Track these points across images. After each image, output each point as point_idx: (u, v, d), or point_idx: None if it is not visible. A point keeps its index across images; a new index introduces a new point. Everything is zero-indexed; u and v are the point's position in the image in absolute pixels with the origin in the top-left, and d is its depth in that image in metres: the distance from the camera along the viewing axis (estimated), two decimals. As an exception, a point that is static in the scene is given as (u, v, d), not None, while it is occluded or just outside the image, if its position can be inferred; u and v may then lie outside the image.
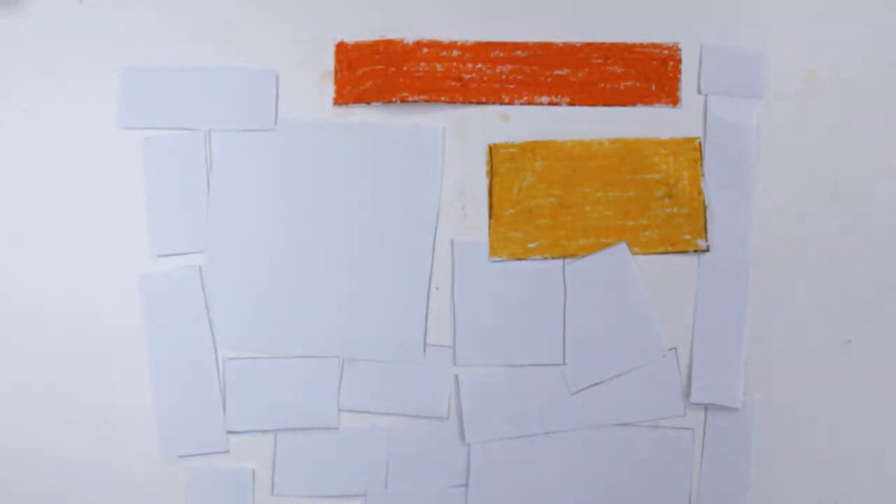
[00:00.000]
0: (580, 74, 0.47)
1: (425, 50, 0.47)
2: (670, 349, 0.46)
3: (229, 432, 0.46)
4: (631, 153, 0.46)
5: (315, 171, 0.46)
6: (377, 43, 0.47)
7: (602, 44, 0.47)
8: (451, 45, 0.47)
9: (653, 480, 0.45)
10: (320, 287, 0.46)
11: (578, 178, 0.46)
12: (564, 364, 0.45)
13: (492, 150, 0.46)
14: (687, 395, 0.46)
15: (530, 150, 0.46)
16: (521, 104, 0.47)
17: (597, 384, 0.45)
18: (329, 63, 0.47)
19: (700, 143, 0.46)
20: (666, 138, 0.46)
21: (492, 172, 0.46)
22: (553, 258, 0.46)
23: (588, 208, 0.46)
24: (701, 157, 0.46)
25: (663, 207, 0.46)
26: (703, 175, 0.46)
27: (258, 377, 0.46)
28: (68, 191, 0.47)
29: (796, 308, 0.46)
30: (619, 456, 0.45)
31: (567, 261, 0.46)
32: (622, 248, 0.46)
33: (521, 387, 0.46)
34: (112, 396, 0.46)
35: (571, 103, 0.47)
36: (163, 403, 0.46)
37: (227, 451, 0.46)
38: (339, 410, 0.46)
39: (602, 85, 0.46)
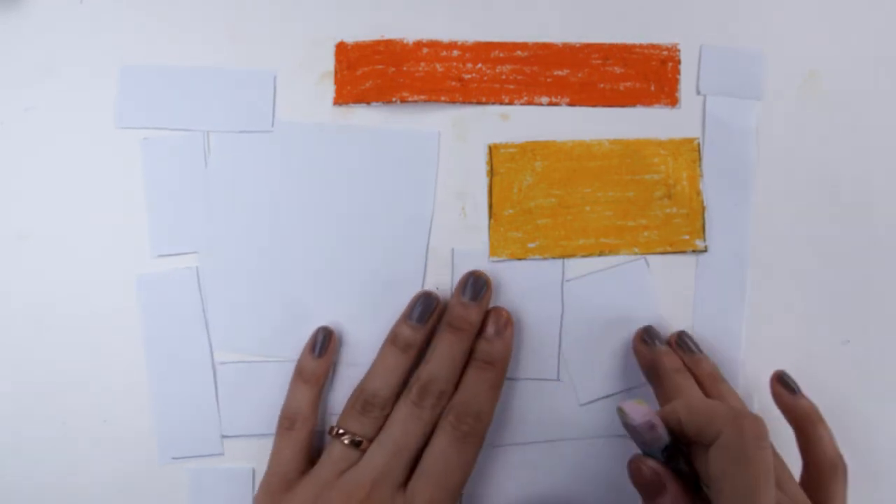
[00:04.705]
0: (580, 75, 0.47)
1: (425, 50, 0.47)
2: None
3: (224, 436, 0.46)
4: (630, 154, 0.46)
5: (314, 172, 0.46)
6: (377, 43, 0.47)
7: (602, 44, 0.47)
8: (451, 45, 0.47)
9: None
10: (318, 289, 0.46)
11: (578, 179, 0.46)
12: (559, 380, 0.45)
13: (492, 150, 0.46)
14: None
15: (530, 150, 0.46)
16: (521, 104, 0.47)
17: (606, 397, 0.45)
18: (329, 63, 0.47)
19: (699, 144, 0.46)
20: (665, 139, 0.46)
21: (492, 172, 0.46)
22: (553, 258, 0.46)
23: (588, 208, 0.46)
24: (700, 158, 0.46)
25: (662, 208, 0.46)
26: (701, 175, 0.46)
27: (255, 380, 0.46)
28: (67, 191, 0.47)
29: (795, 308, 0.46)
30: (619, 464, 0.45)
31: (576, 277, 0.45)
32: (640, 265, 0.45)
33: (521, 391, 0.45)
34: (111, 397, 0.46)
35: (571, 104, 0.47)
36: (160, 405, 0.46)
37: (222, 454, 0.46)
38: (337, 414, 0.45)
39: (602, 85, 0.47)
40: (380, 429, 0.41)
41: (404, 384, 0.42)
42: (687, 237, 0.46)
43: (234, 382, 0.46)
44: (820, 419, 0.40)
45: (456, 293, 0.43)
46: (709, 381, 0.43)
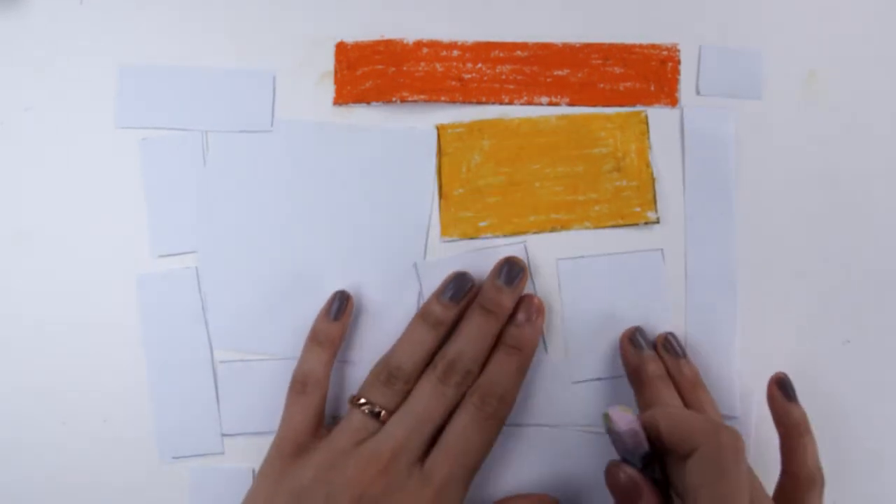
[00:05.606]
0: (580, 75, 0.47)
1: (425, 50, 0.47)
2: None
3: (224, 435, 0.46)
4: (578, 128, 0.46)
5: (313, 172, 0.46)
6: (377, 43, 0.47)
7: (602, 44, 0.47)
8: (451, 45, 0.47)
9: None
10: (317, 289, 0.46)
11: (527, 156, 0.46)
12: (546, 352, 0.45)
13: (440, 131, 0.46)
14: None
15: (478, 129, 0.46)
16: (521, 104, 0.47)
17: (598, 379, 0.45)
18: (329, 63, 0.47)
19: (646, 116, 0.46)
20: (612, 113, 0.46)
21: (440, 153, 0.46)
22: (504, 235, 0.46)
23: (537, 185, 0.46)
24: (647, 130, 0.46)
25: (612, 181, 0.46)
26: (650, 147, 0.46)
27: (255, 379, 0.46)
28: (67, 191, 0.47)
29: (795, 308, 0.46)
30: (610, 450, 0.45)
31: (573, 259, 0.45)
32: (655, 254, 0.45)
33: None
34: (111, 397, 0.46)
35: (571, 104, 0.47)
36: (160, 405, 0.46)
37: (223, 454, 0.46)
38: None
39: (601, 85, 0.46)
40: (401, 402, 0.41)
41: (429, 361, 0.42)
42: (638, 209, 0.46)
43: (234, 381, 0.46)
44: (808, 430, 0.40)
45: (491, 276, 0.43)
46: (689, 387, 0.42)
